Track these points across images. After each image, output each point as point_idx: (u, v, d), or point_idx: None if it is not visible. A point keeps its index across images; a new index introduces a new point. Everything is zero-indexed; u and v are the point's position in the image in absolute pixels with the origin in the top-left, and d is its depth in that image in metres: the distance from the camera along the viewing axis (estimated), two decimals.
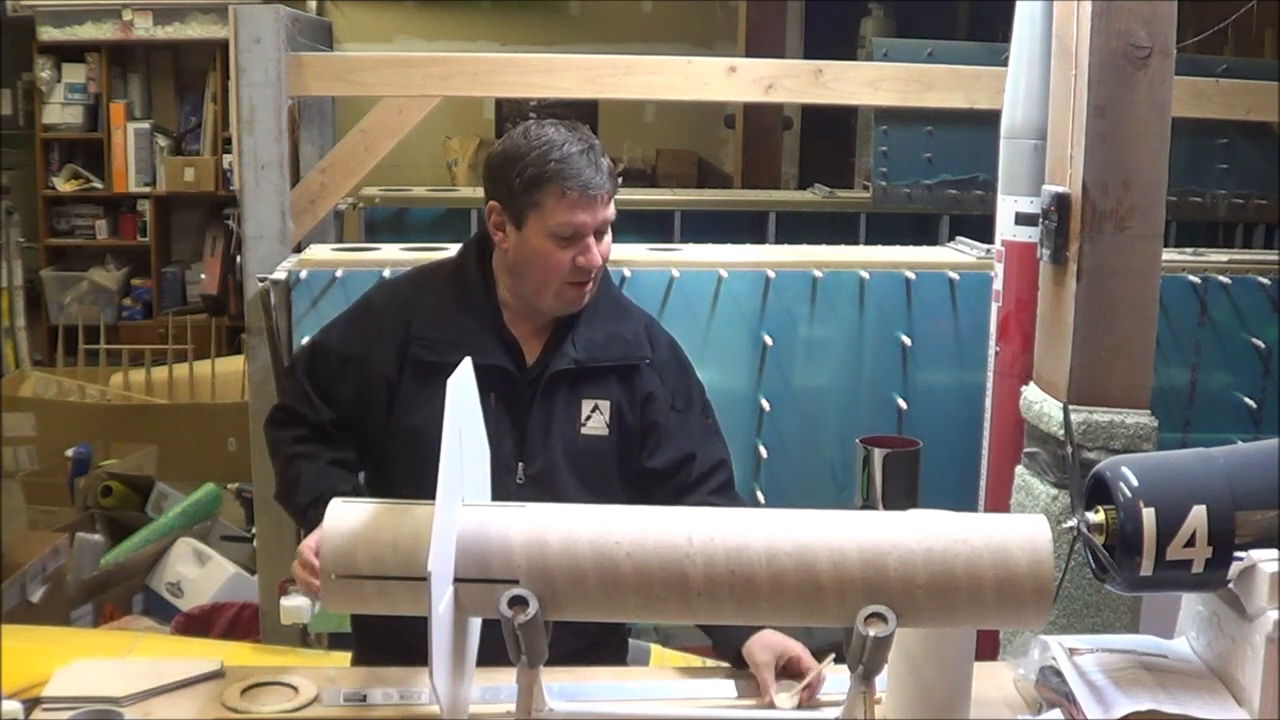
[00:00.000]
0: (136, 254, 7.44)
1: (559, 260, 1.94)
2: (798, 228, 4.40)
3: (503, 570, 1.48)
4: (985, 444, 2.75)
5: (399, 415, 1.99)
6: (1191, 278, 3.08)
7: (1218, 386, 3.12)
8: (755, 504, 2.99)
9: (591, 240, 1.94)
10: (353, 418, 2.03)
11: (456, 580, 1.47)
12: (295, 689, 1.77)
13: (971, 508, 2.74)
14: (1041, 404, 2.42)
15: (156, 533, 4.19)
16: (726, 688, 1.83)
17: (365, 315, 2.08)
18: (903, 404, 3.11)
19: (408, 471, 1.95)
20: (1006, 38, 2.67)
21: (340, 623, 2.68)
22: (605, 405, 2.02)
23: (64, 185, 7.26)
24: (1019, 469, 2.50)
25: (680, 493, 2.03)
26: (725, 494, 2.06)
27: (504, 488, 1.90)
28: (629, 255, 3.09)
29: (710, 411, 2.14)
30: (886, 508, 2.11)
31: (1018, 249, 2.59)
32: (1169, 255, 3.00)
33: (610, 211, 1.96)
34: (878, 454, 2.19)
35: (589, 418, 2.02)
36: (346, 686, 1.80)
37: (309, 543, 1.80)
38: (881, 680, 1.56)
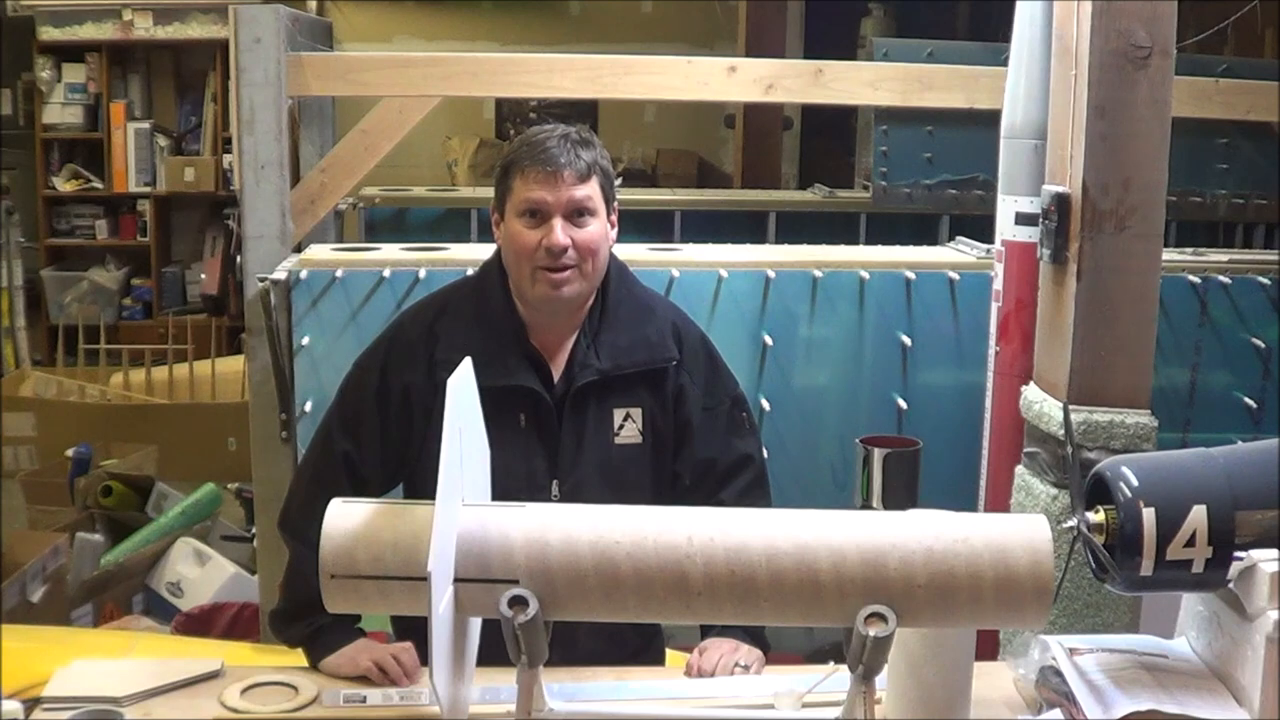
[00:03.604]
0: (136, 254, 7.45)
1: (528, 242, 1.93)
2: (798, 228, 4.40)
3: (503, 570, 1.48)
4: (985, 444, 2.75)
5: (432, 439, 1.96)
6: (1191, 278, 3.08)
7: (1218, 386, 3.12)
8: None
9: (557, 221, 1.92)
10: (395, 448, 2.00)
11: (456, 580, 1.47)
12: (295, 689, 1.78)
13: (971, 508, 2.74)
14: (1041, 404, 2.42)
15: (156, 533, 4.19)
16: (726, 688, 1.83)
17: (394, 344, 2.04)
18: (903, 404, 3.11)
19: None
20: (1006, 38, 2.66)
21: None
22: (637, 413, 2.01)
23: (64, 185, 7.27)
24: (1019, 469, 2.50)
25: (707, 495, 2.03)
26: (750, 494, 2.06)
27: None
28: (629, 255, 3.06)
29: (744, 405, 2.13)
30: (886, 508, 2.11)
31: (1018, 249, 2.59)
32: (1169, 255, 3.00)
33: (580, 193, 1.92)
34: (878, 454, 2.19)
35: (621, 427, 2.00)
36: (346, 687, 1.80)
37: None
38: (881, 680, 1.56)
